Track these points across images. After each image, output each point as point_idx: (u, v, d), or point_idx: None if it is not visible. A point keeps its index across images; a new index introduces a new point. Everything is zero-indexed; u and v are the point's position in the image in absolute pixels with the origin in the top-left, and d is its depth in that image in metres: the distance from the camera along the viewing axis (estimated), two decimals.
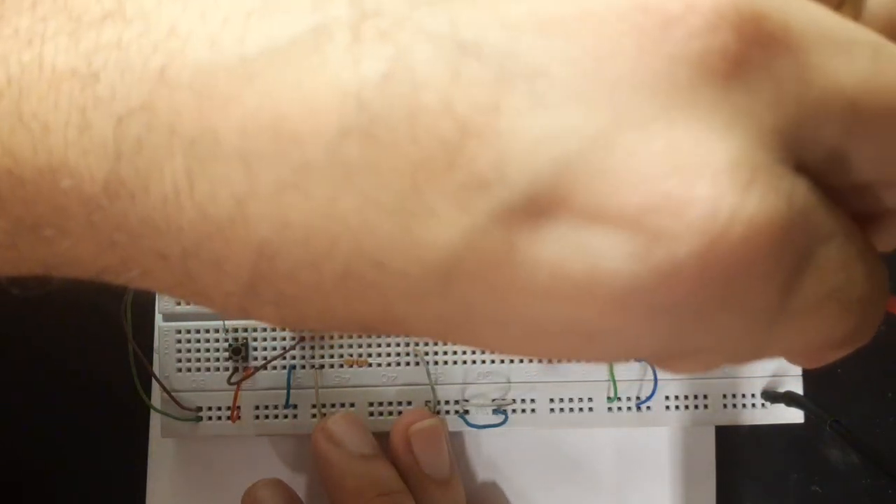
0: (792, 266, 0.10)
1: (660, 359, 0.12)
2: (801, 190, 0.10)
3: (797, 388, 0.28)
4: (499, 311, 0.11)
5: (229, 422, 0.28)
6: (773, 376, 0.28)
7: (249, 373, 0.28)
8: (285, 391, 0.28)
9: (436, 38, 0.10)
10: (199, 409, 0.28)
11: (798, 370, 0.28)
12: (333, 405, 0.28)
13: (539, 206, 0.10)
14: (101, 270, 0.12)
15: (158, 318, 0.29)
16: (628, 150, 0.10)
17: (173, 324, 0.28)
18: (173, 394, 0.28)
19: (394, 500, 0.25)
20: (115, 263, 0.12)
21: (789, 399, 0.27)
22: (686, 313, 0.10)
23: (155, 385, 0.28)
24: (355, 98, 0.10)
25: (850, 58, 0.11)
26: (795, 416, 0.28)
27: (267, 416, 0.28)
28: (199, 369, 0.28)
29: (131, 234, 0.11)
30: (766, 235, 0.10)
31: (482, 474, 0.30)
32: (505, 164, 0.10)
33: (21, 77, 0.11)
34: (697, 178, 0.10)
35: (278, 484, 0.27)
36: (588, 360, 0.10)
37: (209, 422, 0.28)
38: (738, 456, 0.30)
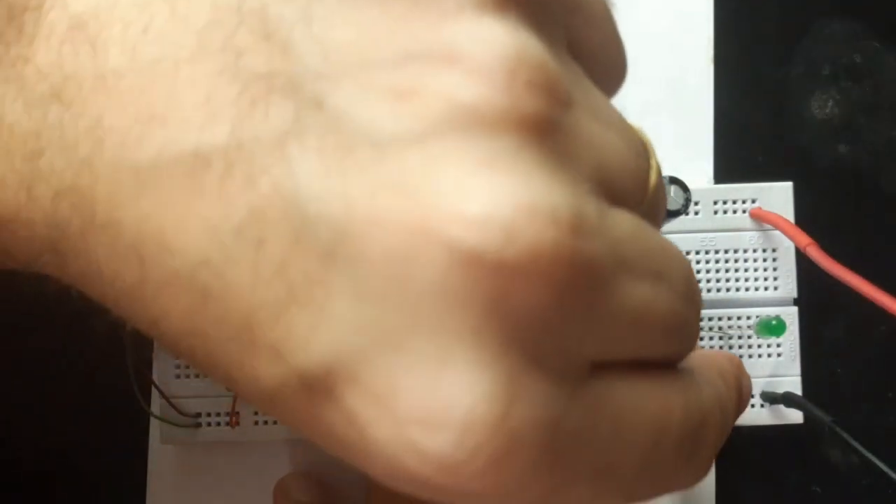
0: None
1: None
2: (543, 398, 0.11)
3: (796, 388, 0.28)
4: (321, 442, 0.12)
5: (229, 427, 0.28)
6: (772, 377, 0.28)
7: None
8: None
9: (288, 201, 0.11)
10: (199, 415, 0.28)
11: (797, 370, 0.28)
12: None
13: (329, 384, 0.11)
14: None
15: None
16: (401, 370, 0.11)
17: None
18: (172, 400, 0.28)
19: None
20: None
21: (788, 400, 0.27)
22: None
23: (154, 391, 0.28)
24: (216, 236, 0.11)
25: (647, 286, 0.12)
26: (795, 416, 0.28)
27: (266, 422, 0.28)
28: (197, 375, 0.28)
29: (72, 280, 0.13)
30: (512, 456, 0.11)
31: None
32: (313, 338, 0.11)
33: None
34: (444, 427, 0.10)
35: (309, 476, 0.27)
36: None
37: (209, 428, 0.28)
38: (738, 456, 0.30)
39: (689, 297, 0.13)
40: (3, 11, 0.12)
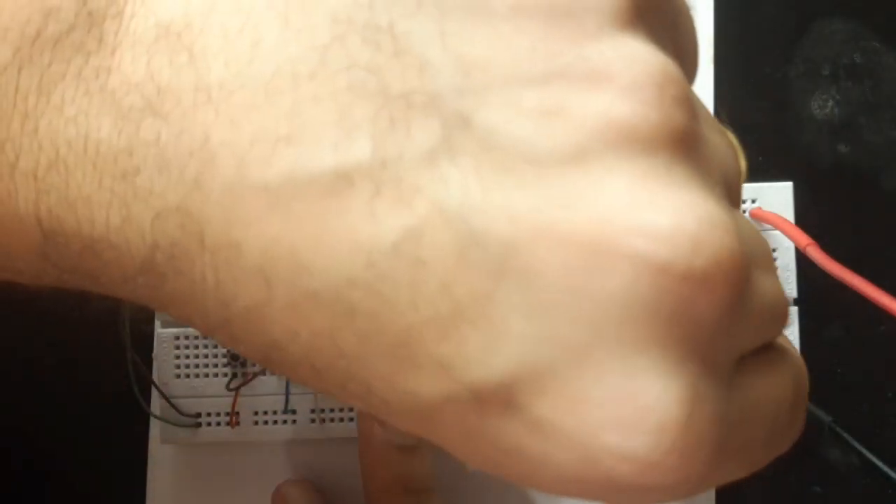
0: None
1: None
2: (720, 393, 0.12)
3: None
4: (474, 455, 0.12)
5: (228, 427, 0.28)
6: None
7: (248, 378, 0.28)
8: (284, 396, 0.28)
9: (449, 218, 0.10)
10: (199, 415, 0.28)
11: None
12: (332, 410, 0.28)
13: (510, 396, 0.11)
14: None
15: (157, 324, 0.29)
16: (592, 379, 0.11)
17: (172, 330, 0.28)
18: (172, 400, 0.28)
19: None
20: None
21: None
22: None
23: (154, 392, 0.28)
24: (366, 255, 0.11)
25: (772, 283, 0.13)
26: None
27: (266, 422, 0.28)
28: (197, 375, 0.28)
29: (160, 302, 0.12)
30: (697, 452, 0.11)
31: (480, 476, 0.30)
32: (490, 353, 0.11)
33: (68, 154, 0.11)
34: (641, 432, 0.11)
35: (307, 483, 0.27)
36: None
37: (208, 428, 0.28)
38: None
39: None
40: (82, 20, 0.11)
